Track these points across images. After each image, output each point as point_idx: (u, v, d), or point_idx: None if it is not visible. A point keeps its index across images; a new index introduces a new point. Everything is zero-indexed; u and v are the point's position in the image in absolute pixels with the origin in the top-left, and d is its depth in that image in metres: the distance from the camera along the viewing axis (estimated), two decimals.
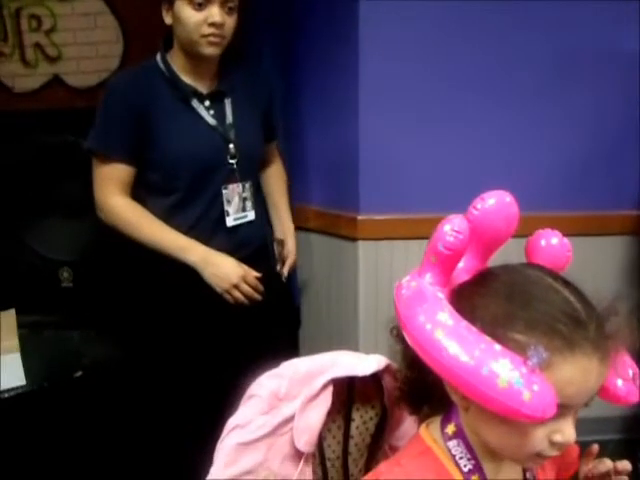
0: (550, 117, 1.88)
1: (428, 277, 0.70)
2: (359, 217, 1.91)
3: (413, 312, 0.67)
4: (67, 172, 1.75)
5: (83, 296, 1.85)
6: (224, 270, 1.45)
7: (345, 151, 1.95)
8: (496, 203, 0.72)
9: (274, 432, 0.81)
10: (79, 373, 1.57)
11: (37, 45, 2.35)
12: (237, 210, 1.53)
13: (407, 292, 0.70)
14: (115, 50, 2.35)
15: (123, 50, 2.35)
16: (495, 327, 0.63)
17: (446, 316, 0.64)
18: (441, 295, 0.68)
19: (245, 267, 1.49)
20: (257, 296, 1.50)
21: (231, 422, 0.82)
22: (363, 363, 0.89)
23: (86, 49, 2.35)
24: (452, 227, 0.68)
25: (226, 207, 1.50)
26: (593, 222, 1.94)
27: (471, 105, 1.87)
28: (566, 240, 0.77)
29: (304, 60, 2.10)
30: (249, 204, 1.55)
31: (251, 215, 1.56)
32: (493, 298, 0.67)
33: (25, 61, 2.36)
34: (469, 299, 0.68)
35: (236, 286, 1.46)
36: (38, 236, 1.87)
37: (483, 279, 0.71)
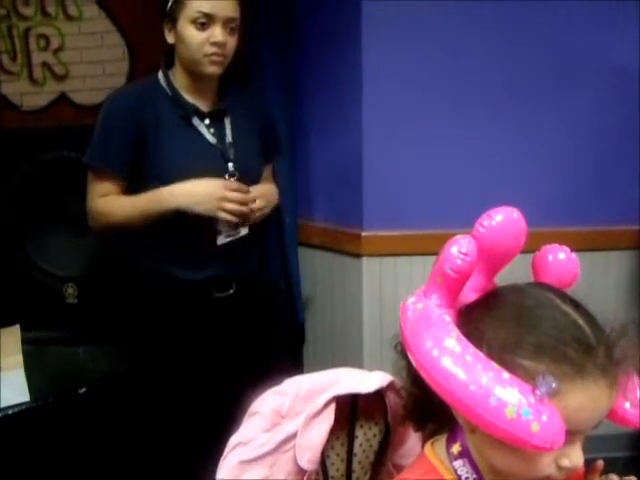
0: (554, 133, 1.89)
1: (434, 299, 0.68)
2: (363, 233, 1.92)
3: (419, 337, 0.66)
4: (72, 188, 1.76)
5: (88, 312, 1.85)
6: (203, 192, 1.42)
7: (349, 168, 1.96)
8: (503, 220, 0.70)
9: (277, 450, 0.81)
10: (83, 389, 1.57)
11: (45, 64, 2.38)
12: (230, 228, 1.48)
13: (413, 314, 0.69)
14: (121, 68, 2.38)
15: (129, 68, 2.38)
16: (503, 352, 0.63)
17: (453, 342, 0.63)
18: (448, 318, 0.67)
19: (221, 180, 1.44)
20: (246, 209, 1.45)
21: (233, 440, 0.82)
22: (366, 380, 0.89)
23: (93, 67, 2.37)
24: (459, 249, 0.66)
25: (220, 226, 1.47)
26: (598, 237, 1.94)
27: (476, 121, 1.88)
28: (574, 256, 0.76)
29: (306, 77, 2.11)
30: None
31: (244, 231, 1.52)
32: (500, 322, 0.65)
33: (33, 79, 2.39)
34: (476, 322, 0.67)
35: (223, 199, 1.41)
36: (43, 252, 1.88)
37: (490, 301, 0.70)
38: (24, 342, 1.63)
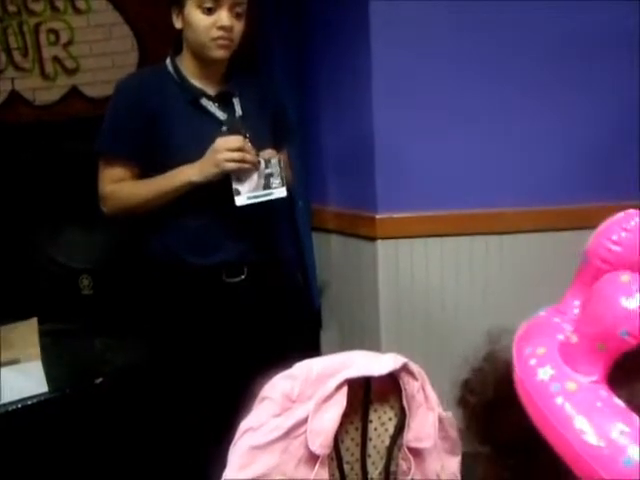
0: (569, 109, 1.83)
1: (587, 371, 0.48)
2: (377, 216, 1.89)
3: (600, 446, 0.45)
4: (85, 181, 1.76)
5: (103, 303, 1.86)
6: (205, 156, 1.42)
7: (361, 150, 1.93)
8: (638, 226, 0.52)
9: (288, 435, 0.80)
10: (100, 379, 1.58)
11: (55, 58, 2.39)
12: (256, 187, 1.45)
13: (565, 401, 0.48)
14: (131, 59, 2.38)
15: (139, 59, 2.37)
16: None
17: None
18: (622, 404, 0.47)
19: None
20: (250, 157, 1.42)
21: (243, 425, 0.81)
22: (379, 362, 0.87)
23: (102, 60, 2.38)
24: (638, 304, 0.46)
25: (236, 185, 1.43)
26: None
27: (487, 100, 1.83)
28: None
29: (317, 61, 2.08)
30: (277, 180, 1.46)
31: (279, 192, 1.45)
32: None
33: (44, 74, 2.40)
34: None
35: (222, 150, 1.40)
36: (58, 245, 1.90)
37: None
38: (42, 334, 1.66)
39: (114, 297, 1.83)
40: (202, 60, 1.47)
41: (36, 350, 1.63)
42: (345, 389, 0.83)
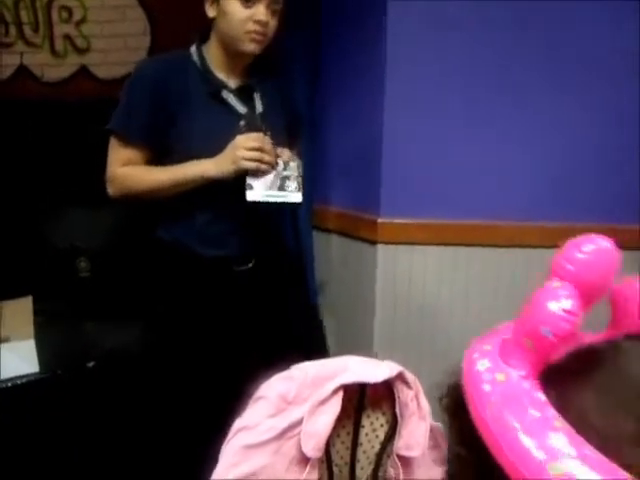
0: (575, 123, 1.84)
1: (517, 366, 0.53)
2: (379, 220, 1.89)
3: (508, 427, 0.50)
4: (89, 162, 1.76)
5: (100, 286, 1.86)
6: (223, 153, 1.41)
7: (367, 153, 1.93)
8: (594, 251, 0.55)
9: (281, 436, 0.80)
10: (92, 363, 1.58)
11: (66, 36, 2.38)
12: (270, 187, 1.44)
13: (493, 390, 0.52)
14: (143, 42, 2.37)
15: (150, 43, 2.36)
16: (620, 445, 0.46)
17: (563, 441, 0.47)
18: (543, 398, 0.51)
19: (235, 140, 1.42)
20: (268, 158, 1.42)
21: (238, 424, 0.81)
22: (375, 369, 0.87)
23: (114, 41, 2.37)
24: (562, 307, 0.50)
25: (249, 180, 1.41)
26: (618, 234, 1.88)
27: (495, 110, 1.83)
28: None
29: (329, 63, 2.08)
30: (293, 184, 1.46)
31: (294, 196, 1.44)
32: (613, 402, 0.49)
33: (54, 51, 2.39)
34: (579, 401, 0.50)
35: (241, 148, 1.40)
36: (56, 226, 1.89)
37: (589, 370, 0.53)
38: (36, 313, 1.64)
39: (111, 281, 1.83)
40: (230, 51, 1.46)
41: (29, 329, 1.62)
42: (341, 394, 0.83)
